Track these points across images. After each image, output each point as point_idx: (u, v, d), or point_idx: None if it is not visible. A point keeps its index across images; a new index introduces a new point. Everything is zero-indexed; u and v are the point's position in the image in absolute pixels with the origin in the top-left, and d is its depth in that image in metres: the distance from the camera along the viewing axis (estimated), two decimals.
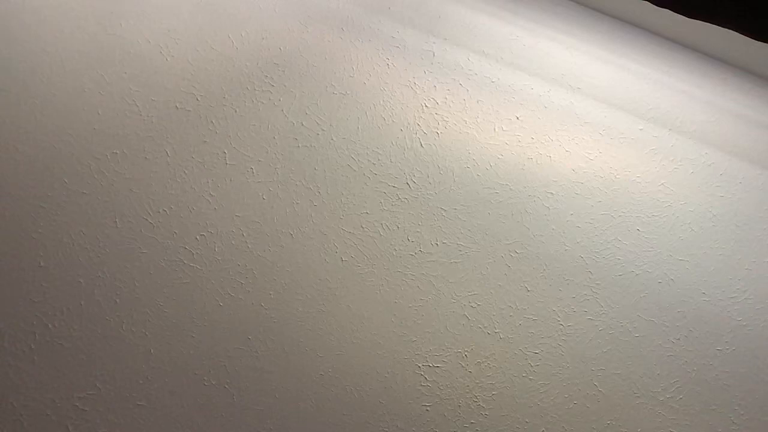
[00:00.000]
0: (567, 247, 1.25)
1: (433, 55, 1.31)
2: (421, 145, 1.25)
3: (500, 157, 1.28)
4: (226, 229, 1.13)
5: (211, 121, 1.18)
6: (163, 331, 1.06)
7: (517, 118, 1.31)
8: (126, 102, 1.16)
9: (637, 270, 1.27)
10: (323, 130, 1.22)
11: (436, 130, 1.26)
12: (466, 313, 1.18)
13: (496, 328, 1.18)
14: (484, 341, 1.17)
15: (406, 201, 1.21)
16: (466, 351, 1.16)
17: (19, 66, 1.13)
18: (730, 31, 0.95)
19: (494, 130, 1.29)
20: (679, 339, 1.24)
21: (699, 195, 1.34)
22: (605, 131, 1.34)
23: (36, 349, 1.00)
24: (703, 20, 0.96)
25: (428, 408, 1.14)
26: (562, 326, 1.21)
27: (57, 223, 1.06)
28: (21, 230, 1.05)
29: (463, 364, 1.16)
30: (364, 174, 1.21)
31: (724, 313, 1.27)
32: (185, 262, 1.09)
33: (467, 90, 1.30)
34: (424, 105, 1.27)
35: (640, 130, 1.36)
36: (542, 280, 1.22)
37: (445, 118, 1.27)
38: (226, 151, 1.17)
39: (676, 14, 0.98)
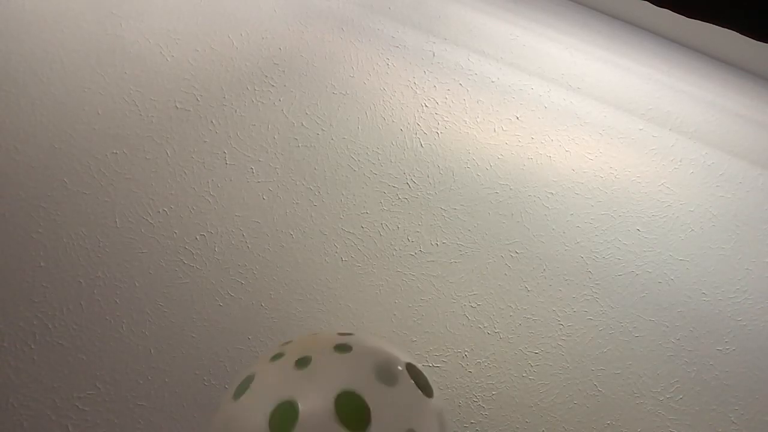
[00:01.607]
0: (567, 247, 1.25)
1: (433, 55, 1.31)
2: (421, 145, 1.25)
3: (500, 157, 1.28)
4: (226, 229, 1.12)
5: (211, 121, 1.18)
6: (163, 331, 1.06)
7: (517, 118, 1.31)
8: (126, 102, 1.16)
9: (637, 270, 1.26)
10: (323, 130, 1.22)
11: (436, 130, 1.26)
12: (466, 313, 1.18)
13: (496, 328, 1.18)
14: (484, 341, 1.17)
15: (406, 201, 1.21)
16: (466, 351, 1.16)
17: (19, 66, 1.13)
18: (730, 31, 0.96)
19: (494, 130, 1.29)
20: (679, 339, 1.24)
21: (699, 195, 1.34)
22: (605, 131, 1.34)
23: (36, 349, 1.00)
24: (703, 20, 0.96)
25: None
26: (562, 326, 1.20)
27: (57, 223, 1.06)
28: (21, 230, 1.05)
29: (463, 364, 1.15)
30: (364, 174, 1.21)
31: (724, 313, 1.27)
32: (185, 262, 1.09)
33: (467, 90, 1.30)
34: (424, 105, 1.27)
35: (640, 130, 1.36)
36: (542, 280, 1.22)
37: (445, 118, 1.27)
38: (226, 151, 1.17)
39: (676, 14, 0.98)
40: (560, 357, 1.19)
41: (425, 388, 0.68)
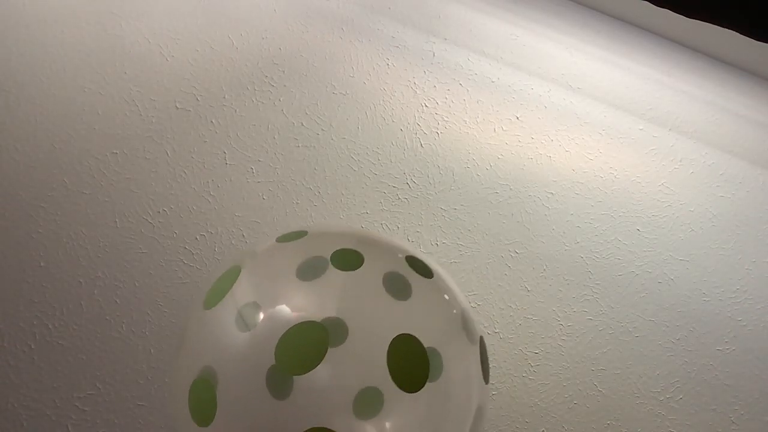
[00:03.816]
0: (567, 247, 1.25)
1: (433, 55, 1.31)
2: (421, 145, 1.25)
3: (500, 157, 1.28)
4: (226, 229, 1.12)
5: (211, 121, 1.18)
6: (163, 331, 1.06)
7: (517, 118, 1.31)
8: (126, 102, 1.16)
9: (637, 270, 1.26)
10: (323, 130, 1.22)
11: (436, 130, 1.26)
12: None
13: (496, 328, 1.18)
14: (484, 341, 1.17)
15: (406, 201, 1.21)
16: None
17: (19, 66, 1.13)
18: (730, 31, 0.96)
19: (494, 130, 1.29)
20: (679, 339, 1.24)
21: (699, 195, 1.34)
22: (605, 131, 1.34)
23: (36, 349, 1.00)
24: (703, 20, 0.96)
25: None
26: (562, 326, 1.20)
27: (57, 223, 1.06)
28: (21, 230, 1.05)
29: None
30: (364, 174, 1.21)
31: (724, 313, 1.27)
32: (185, 262, 1.09)
33: (467, 90, 1.30)
34: (424, 105, 1.27)
35: (640, 130, 1.36)
36: (542, 280, 1.22)
37: (445, 118, 1.27)
38: (226, 151, 1.17)
39: (676, 14, 0.98)
40: (560, 357, 1.19)
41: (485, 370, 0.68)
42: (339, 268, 0.59)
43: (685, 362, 1.23)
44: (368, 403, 0.55)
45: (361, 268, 0.60)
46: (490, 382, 1.15)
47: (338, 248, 0.61)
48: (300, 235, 0.65)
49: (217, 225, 1.12)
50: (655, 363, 1.22)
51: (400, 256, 0.66)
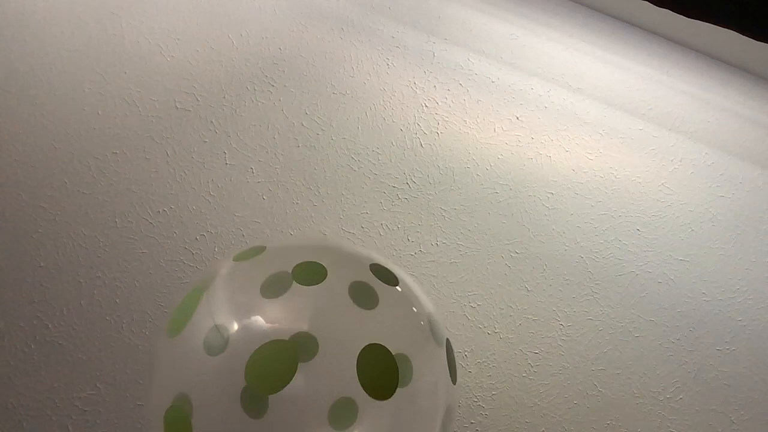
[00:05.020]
0: (567, 247, 1.25)
1: (433, 55, 1.31)
2: (421, 145, 1.25)
3: (500, 157, 1.28)
4: (226, 229, 1.12)
5: (211, 121, 1.18)
6: (163, 331, 1.05)
7: (517, 118, 1.31)
8: (126, 102, 1.16)
9: (637, 270, 1.26)
10: (323, 130, 1.22)
11: (436, 130, 1.26)
12: (466, 313, 1.18)
13: (496, 328, 1.18)
14: (484, 341, 1.17)
15: (406, 201, 1.21)
16: (466, 351, 1.16)
17: (19, 66, 1.14)
18: (730, 31, 0.96)
19: (494, 130, 1.29)
20: (679, 339, 1.24)
21: (699, 195, 1.34)
22: (605, 131, 1.34)
23: (36, 349, 1.00)
24: (703, 20, 0.96)
25: None
26: (562, 326, 1.20)
27: (57, 223, 1.06)
28: (21, 230, 1.05)
29: (463, 364, 1.16)
30: (364, 174, 1.21)
31: (724, 313, 1.27)
32: (185, 262, 1.09)
33: (467, 90, 1.30)
34: (424, 105, 1.27)
35: (640, 130, 1.36)
36: (542, 280, 1.22)
37: (445, 118, 1.27)
38: (226, 151, 1.17)
39: (676, 14, 0.98)
40: (560, 357, 1.19)
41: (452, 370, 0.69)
42: (303, 283, 0.59)
43: (685, 362, 1.23)
44: (343, 414, 0.56)
45: (325, 280, 0.61)
46: (490, 381, 1.15)
47: (300, 261, 0.61)
48: (258, 251, 0.66)
49: (217, 225, 1.12)
50: (655, 363, 1.22)
51: (364, 263, 0.66)
